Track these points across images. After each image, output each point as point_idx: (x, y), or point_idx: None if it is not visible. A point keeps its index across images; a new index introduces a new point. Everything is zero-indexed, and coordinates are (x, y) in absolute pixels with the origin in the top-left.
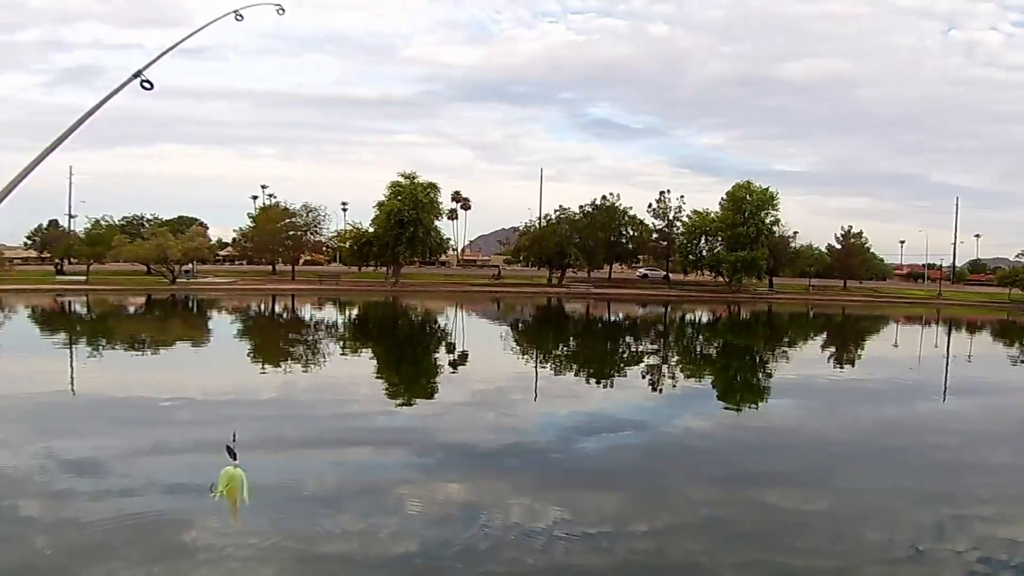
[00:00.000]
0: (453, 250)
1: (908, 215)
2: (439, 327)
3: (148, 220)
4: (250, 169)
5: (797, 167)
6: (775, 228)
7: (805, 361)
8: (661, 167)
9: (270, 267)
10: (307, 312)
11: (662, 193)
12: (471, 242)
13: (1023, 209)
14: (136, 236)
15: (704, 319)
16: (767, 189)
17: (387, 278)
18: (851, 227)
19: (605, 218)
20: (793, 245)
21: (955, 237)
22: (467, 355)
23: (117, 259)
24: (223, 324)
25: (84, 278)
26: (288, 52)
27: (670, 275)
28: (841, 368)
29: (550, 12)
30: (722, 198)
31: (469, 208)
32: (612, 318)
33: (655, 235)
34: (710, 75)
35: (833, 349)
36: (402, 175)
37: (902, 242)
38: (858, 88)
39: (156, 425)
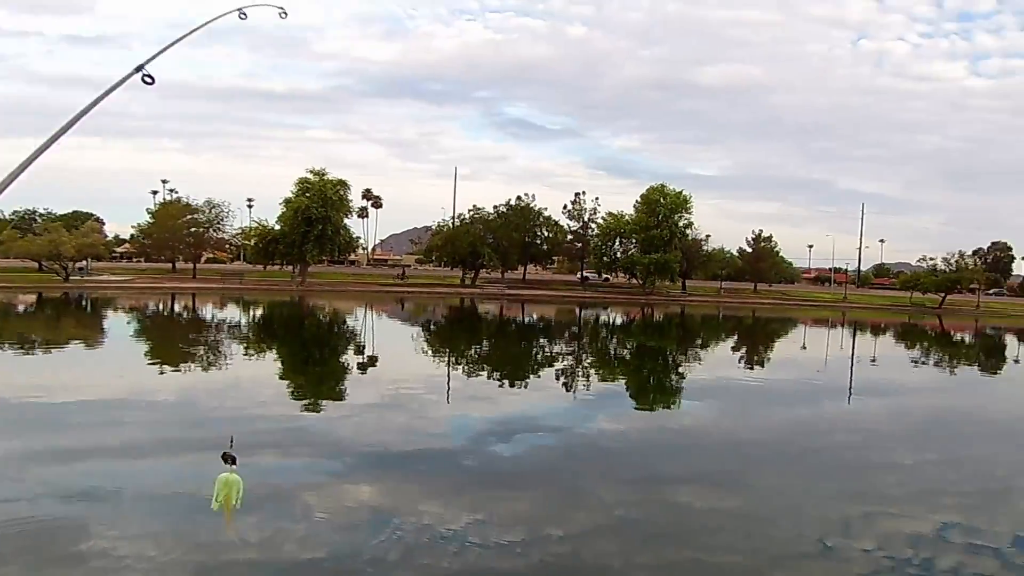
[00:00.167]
0: (363, 249)
1: (816, 220)
2: (348, 328)
3: (40, 215)
4: (151, 163)
5: (711, 171)
6: (688, 231)
7: (717, 363)
8: (577, 168)
9: (170, 265)
10: (209, 312)
11: (577, 195)
12: (382, 241)
13: (925, 215)
14: (27, 231)
15: (618, 321)
16: (681, 192)
17: (293, 277)
18: (762, 231)
19: (520, 219)
20: (706, 248)
21: (860, 242)
22: (377, 357)
23: (7, 255)
24: (119, 324)
25: None
26: (195, 42)
27: (609, 278)
28: (752, 370)
29: (468, 10)
30: (637, 200)
31: (381, 206)
32: (526, 319)
33: (570, 236)
34: (627, 78)
35: (744, 351)
36: (311, 171)
37: (810, 246)
38: (771, 95)
39: (48, 429)
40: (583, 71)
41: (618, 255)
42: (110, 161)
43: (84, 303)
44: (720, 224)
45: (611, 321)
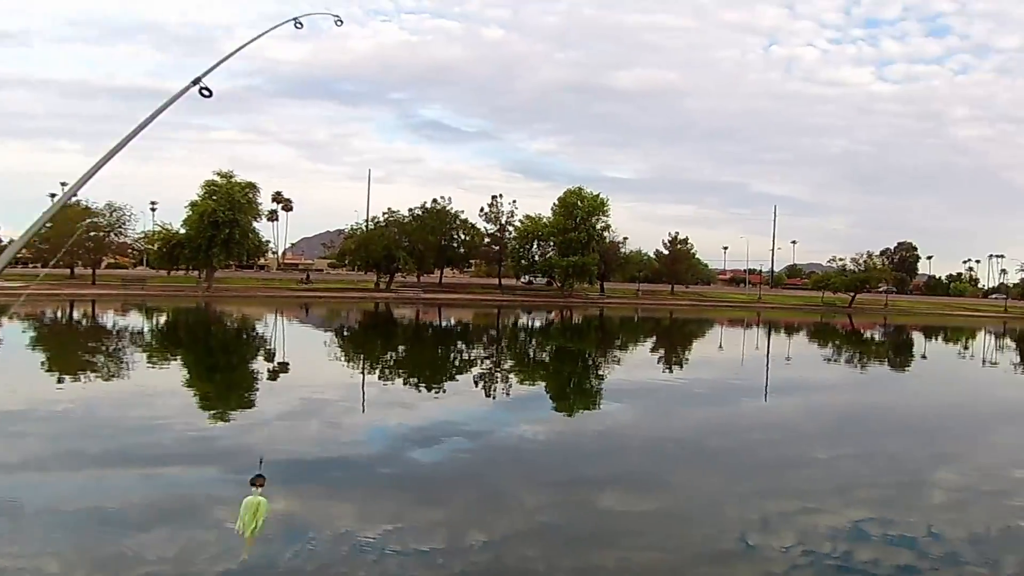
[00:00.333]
0: (273, 253)
1: (731, 222)
2: (257, 334)
3: None
4: (50, 165)
5: (626, 174)
6: (606, 234)
7: (636, 364)
8: (493, 171)
9: (68, 270)
10: (109, 319)
11: (494, 197)
12: (293, 245)
13: (835, 217)
14: None
15: (536, 324)
16: (598, 195)
17: (199, 283)
18: (678, 234)
19: (435, 221)
20: (623, 251)
21: (773, 244)
22: (288, 364)
23: None
24: (12, 333)
25: None
26: (98, 41)
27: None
28: (670, 370)
29: (383, 10)
30: (554, 203)
31: (291, 209)
32: (443, 323)
33: (487, 239)
34: (543, 81)
35: (663, 352)
36: (218, 174)
37: (725, 248)
38: (685, 99)
39: None
40: (499, 73)
41: (536, 258)
42: (6, 163)
43: None
44: (637, 227)
45: (530, 324)
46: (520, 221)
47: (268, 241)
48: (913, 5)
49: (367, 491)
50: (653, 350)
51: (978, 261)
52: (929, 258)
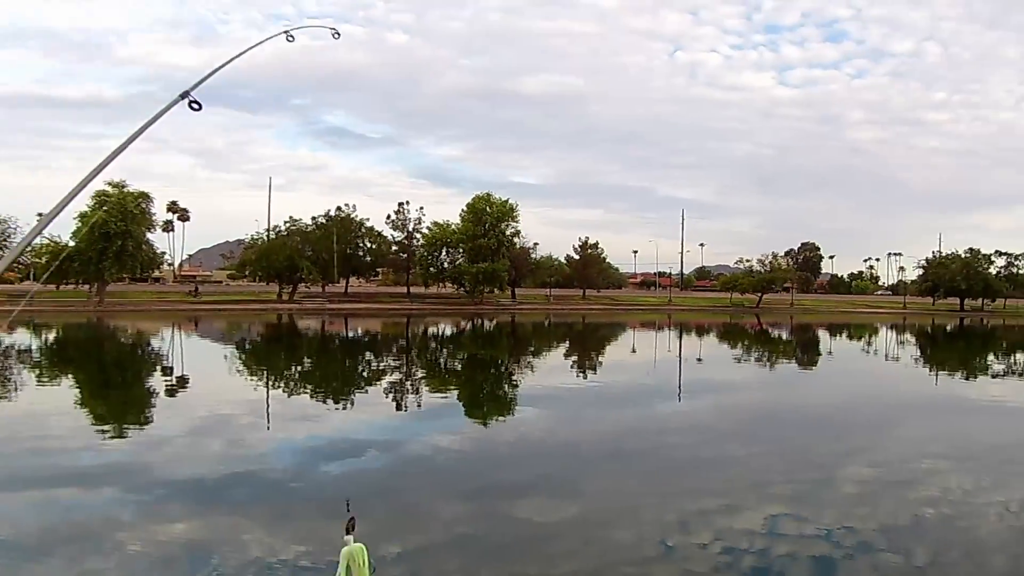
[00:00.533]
0: (169, 265)
1: (639, 226)
2: (153, 349)
3: None
4: None
5: (534, 179)
6: (516, 240)
7: (549, 370)
8: (399, 178)
9: None
10: None
11: (401, 204)
12: (190, 256)
13: (741, 219)
14: None
15: (448, 332)
16: (507, 201)
17: (90, 297)
18: (588, 238)
19: (340, 230)
20: (534, 256)
21: (682, 246)
22: (187, 380)
23: None
24: None
25: None
26: None
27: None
28: (584, 375)
29: (284, 15)
30: (462, 210)
31: (188, 219)
32: (350, 334)
33: (394, 247)
34: (449, 86)
35: (576, 357)
36: (110, 183)
37: (635, 252)
38: (591, 104)
39: None
40: (404, 79)
41: (445, 265)
42: None
43: None
44: (547, 232)
45: (440, 333)
46: (428, 228)
47: (163, 253)
48: (811, 11)
49: (276, 509)
50: (566, 355)
51: (878, 259)
52: (831, 257)
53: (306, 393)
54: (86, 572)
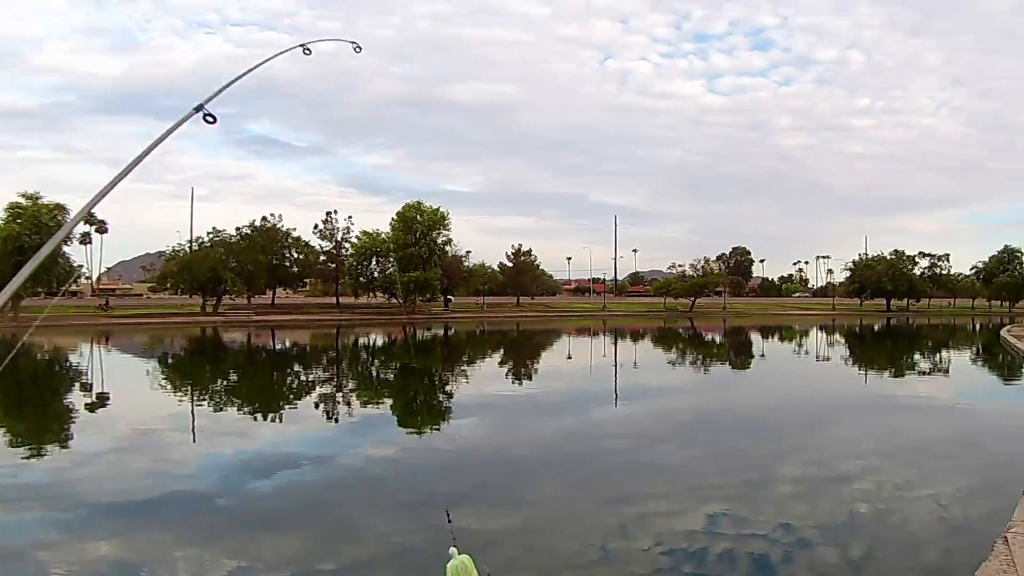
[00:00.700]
0: (87, 279)
1: (572, 233)
2: (71, 365)
3: None
4: None
5: (466, 187)
6: (448, 248)
7: (484, 378)
8: (327, 187)
9: None
10: None
11: (329, 213)
12: (109, 269)
13: (673, 225)
14: None
15: (379, 342)
16: (438, 209)
17: (4, 313)
18: (521, 246)
19: (266, 240)
20: (466, 264)
21: (615, 252)
22: (108, 396)
23: None
24: None
25: None
26: None
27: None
28: (519, 383)
29: (207, 22)
30: (392, 218)
31: (106, 231)
32: (278, 346)
33: (323, 257)
34: (377, 94)
35: (511, 365)
36: (23, 195)
37: (569, 258)
38: (522, 112)
39: None
40: (331, 87)
41: (375, 274)
42: None
43: None
44: (479, 240)
45: (371, 343)
46: (357, 237)
47: (81, 266)
48: (739, 19)
49: (204, 527)
50: (501, 363)
51: (807, 262)
52: (762, 261)
53: (233, 407)
54: None
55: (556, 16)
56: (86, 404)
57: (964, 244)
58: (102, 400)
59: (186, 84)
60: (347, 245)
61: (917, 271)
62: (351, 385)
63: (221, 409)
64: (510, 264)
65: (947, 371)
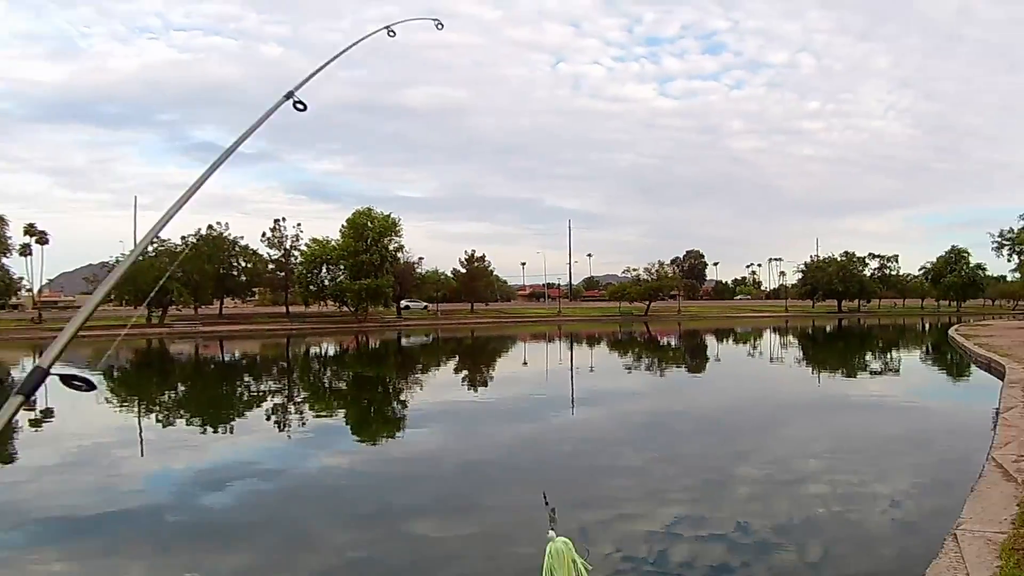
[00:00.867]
0: (27, 291)
1: (527, 238)
2: (12, 381)
3: None
4: None
5: (418, 193)
6: (400, 254)
7: (440, 386)
8: (275, 194)
9: None
10: None
11: (277, 221)
12: (51, 281)
13: (627, 228)
14: None
15: (331, 352)
16: (389, 215)
17: None
18: (474, 251)
19: (212, 249)
20: (419, 271)
21: (570, 257)
22: (52, 411)
23: None
24: None
25: None
26: None
27: (429, 305)
28: (475, 390)
29: (149, 28)
30: (343, 225)
31: (47, 242)
32: (226, 357)
33: (271, 266)
34: (327, 99)
35: (466, 372)
36: None
37: (523, 264)
38: (475, 116)
39: None
40: (278, 92)
41: (326, 283)
42: None
43: None
44: (433, 246)
45: (323, 352)
46: (307, 245)
47: (21, 278)
48: (691, 23)
49: (155, 542)
50: (456, 370)
51: (760, 265)
52: (716, 264)
53: (181, 420)
54: None
55: (508, 19)
56: (29, 420)
57: (912, 245)
58: (46, 415)
59: (129, 90)
60: (296, 253)
61: (867, 272)
62: (303, 395)
63: (169, 422)
64: (463, 270)
65: (898, 370)
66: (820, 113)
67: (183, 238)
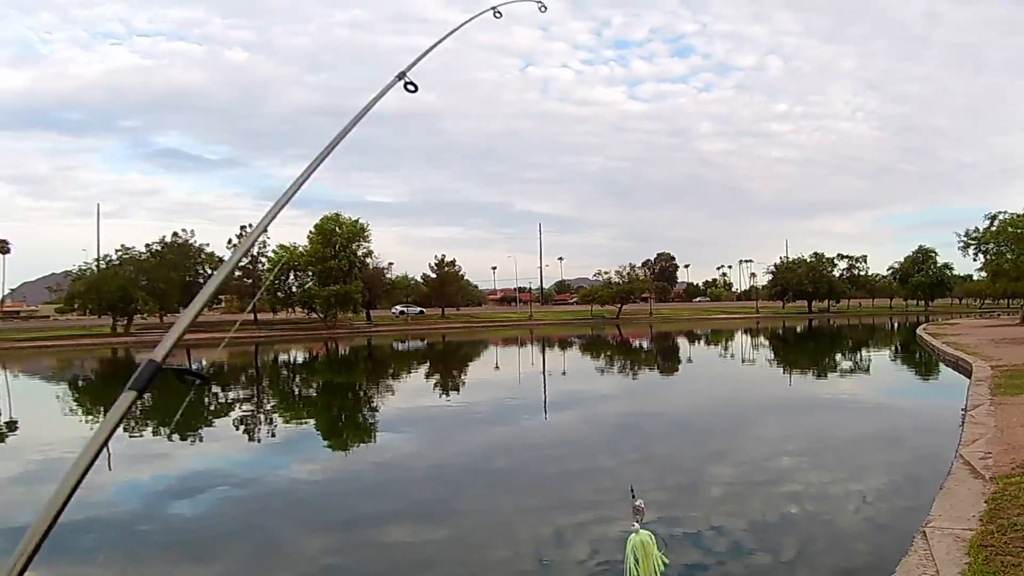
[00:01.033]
0: None
1: (497, 242)
2: None
3: None
4: None
5: (389, 198)
6: (368, 260)
7: (411, 392)
8: (242, 200)
9: None
10: None
11: (243, 228)
12: (13, 290)
13: (598, 232)
14: None
15: (300, 359)
16: (358, 221)
17: None
18: (444, 256)
19: (177, 257)
20: (389, 276)
21: (541, 261)
22: (15, 422)
23: None
24: None
25: None
26: None
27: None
28: (447, 396)
29: (112, 33)
30: (310, 231)
31: (8, 251)
32: (193, 366)
33: (238, 272)
34: (293, 104)
35: (438, 377)
36: None
37: (494, 268)
38: (444, 120)
39: None
40: (244, 97)
41: (294, 289)
42: None
43: None
44: (403, 251)
45: (292, 360)
46: (274, 251)
47: None
48: (659, 26)
49: (127, 555)
50: (427, 376)
51: (730, 267)
52: (687, 266)
53: (149, 430)
54: None
55: (477, 22)
56: None
57: (881, 245)
58: (10, 427)
59: (91, 97)
60: (264, 260)
61: (836, 273)
62: (272, 403)
63: (137, 433)
64: (434, 275)
65: (868, 370)
66: (788, 115)
67: (147, 246)
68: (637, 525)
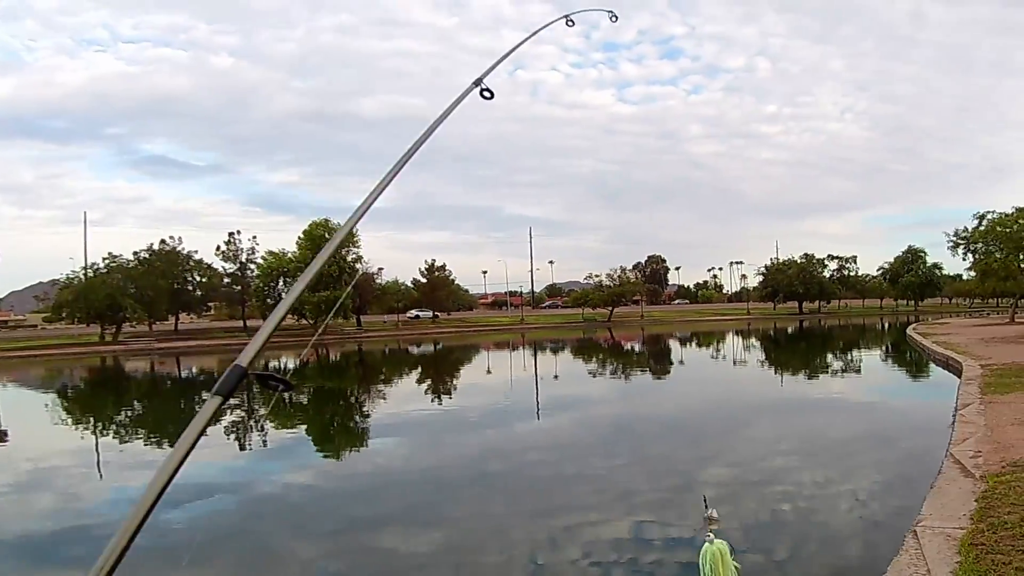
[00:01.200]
0: None
1: (488, 246)
2: None
3: None
4: None
5: (379, 203)
6: (358, 265)
7: (403, 398)
8: (230, 206)
9: None
10: None
11: (231, 234)
12: (1, 300)
13: (588, 235)
14: None
15: (290, 365)
16: None
17: None
18: (435, 261)
19: (166, 264)
20: (379, 281)
21: (532, 264)
22: (5, 432)
23: None
24: None
25: None
26: None
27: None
28: (439, 400)
29: (97, 40)
30: (299, 237)
31: None
32: (183, 373)
33: (227, 279)
34: (280, 110)
35: (429, 382)
36: None
37: (484, 272)
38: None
39: None
40: (231, 103)
41: (283, 295)
42: None
43: None
44: (395, 256)
45: (282, 366)
46: (263, 258)
47: None
48: (648, 29)
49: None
50: (419, 381)
51: (721, 268)
52: (678, 268)
53: (139, 439)
54: None
55: (464, 26)
56: None
57: (870, 245)
58: (0, 437)
59: (77, 104)
60: (252, 266)
61: (827, 273)
62: (263, 410)
63: (127, 441)
64: (424, 280)
65: (859, 370)
66: (778, 116)
67: (135, 254)
68: (711, 535)
